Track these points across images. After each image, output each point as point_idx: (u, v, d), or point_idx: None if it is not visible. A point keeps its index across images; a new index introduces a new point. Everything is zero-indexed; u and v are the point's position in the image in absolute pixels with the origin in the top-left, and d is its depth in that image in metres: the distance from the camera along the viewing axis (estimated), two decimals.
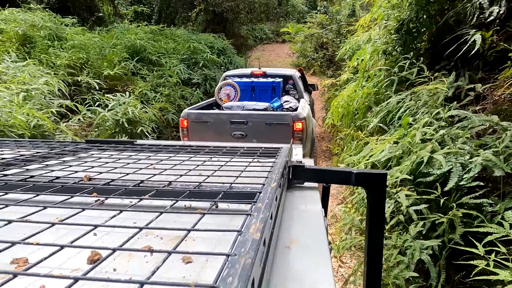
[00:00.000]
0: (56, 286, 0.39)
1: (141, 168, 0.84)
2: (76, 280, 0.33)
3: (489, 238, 2.03)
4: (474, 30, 3.26)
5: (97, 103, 5.49)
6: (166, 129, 6.55)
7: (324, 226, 0.69)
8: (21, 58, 5.62)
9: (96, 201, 0.62)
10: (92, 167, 0.86)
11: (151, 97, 6.66)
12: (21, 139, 1.39)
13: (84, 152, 1.11)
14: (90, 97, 5.56)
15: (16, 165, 0.86)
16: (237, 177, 0.74)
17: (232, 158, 1.00)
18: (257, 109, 4.33)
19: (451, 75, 3.46)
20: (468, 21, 3.44)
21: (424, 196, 2.60)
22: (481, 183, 2.38)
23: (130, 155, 1.05)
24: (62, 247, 0.40)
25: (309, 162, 1.04)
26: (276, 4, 16.51)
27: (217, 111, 4.59)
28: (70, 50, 6.50)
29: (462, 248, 2.16)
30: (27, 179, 0.71)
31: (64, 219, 0.50)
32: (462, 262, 2.14)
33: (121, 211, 0.55)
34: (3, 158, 0.94)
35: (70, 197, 0.61)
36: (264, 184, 0.64)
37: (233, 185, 0.68)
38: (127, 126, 5.17)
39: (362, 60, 5.25)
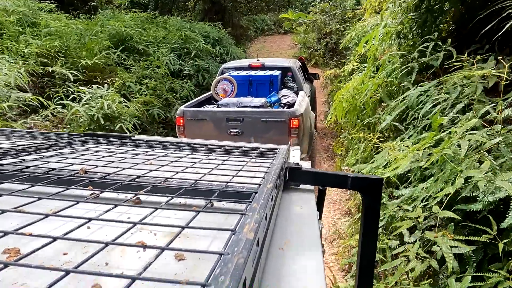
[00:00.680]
0: (47, 278, 0.39)
1: (137, 164, 0.84)
2: (67, 272, 0.33)
3: None
4: None
5: (72, 96, 4.99)
6: (152, 126, 6.10)
7: (318, 229, 0.70)
8: None
9: (91, 194, 0.62)
10: (89, 160, 0.86)
11: (135, 90, 6.09)
12: (18, 129, 1.38)
13: (81, 144, 1.10)
14: (64, 89, 5.03)
15: (12, 155, 0.85)
16: (234, 176, 0.74)
17: (229, 157, 1.00)
18: (253, 106, 4.29)
19: (488, 60, 2.68)
20: None
21: (470, 237, 1.78)
22: None
23: (127, 150, 1.05)
24: (55, 239, 0.40)
25: (306, 164, 1.04)
26: None
27: (213, 108, 4.55)
28: (45, 37, 5.89)
29: None
30: (23, 169, 0.70)
31: (58, 211, 0.50)
32: None
33: (115, 206, 0.54)
34: None
35: (65, 189, 0.61)
36: (260, 185, 0.64)
37: (229, 184, 0.68)
38: (103, 122, 4.68)
39: (372, 45, 4.42)
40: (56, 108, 4.62)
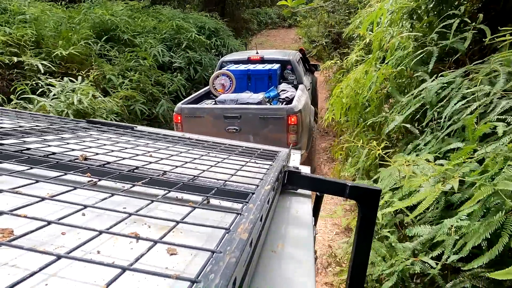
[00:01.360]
0: (39, 261, 0.39)
1: (137, 155, 0.84)
2: (59, 257, 0.33)
3: None
4: None
5: (41, 90, 4.48)
6: (134, 123, 5.37)
7: (312, 235, 0.69)
8: None
9: (89, 181, 0.62)
10: (89, 147, 0.86)
11: (117, 83, 5.55)
12: (22, 111, 1.39)
13: (83, 131, 1.11)
14: (34, 82, 4.52)
15: (13, 136, 0.85)
16: (232, 175, 0.74)
17: (229, 156, 1.00)
18: (251, 102, 4.25)
19: None
20: None
21: None
22: None
23: (129, 140, 1.05)
24: (49, 222, 0.40)
25: (305, 169, 1.04)
26: None
27: (210, 105, 4.52)
28: (15, 25, 5.31)
29: None
30: (23, 151, 0.71)
31: (55, 195, 0.50)
32: None
33: (112, 195, 0.54)
34: (1, 128, 0.93)
35: (63, 174, 0.61)
36: (258, 186, 0.64)
37: (227, 182, 0.68)
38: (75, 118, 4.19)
39: (378, 28, 3.59)
40: (19, 103, 4.14)
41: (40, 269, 0.31)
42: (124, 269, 0.32)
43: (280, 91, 4.96)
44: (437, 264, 1.59)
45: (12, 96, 4.21)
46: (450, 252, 1.50)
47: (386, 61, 3.35)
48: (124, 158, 0.78)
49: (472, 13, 2.82)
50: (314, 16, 12.50)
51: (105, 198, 0.53)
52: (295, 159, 1.31)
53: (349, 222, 2.96)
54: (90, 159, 0.74)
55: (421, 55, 2.69)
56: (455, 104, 2.03)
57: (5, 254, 0.41)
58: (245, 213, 0.48)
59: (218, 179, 0.69)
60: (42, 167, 0.62)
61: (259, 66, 5.29)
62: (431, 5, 3.01)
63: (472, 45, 2.37)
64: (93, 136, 1.05)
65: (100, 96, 4.88)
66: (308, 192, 0.91)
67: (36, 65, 4.70)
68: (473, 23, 2.46)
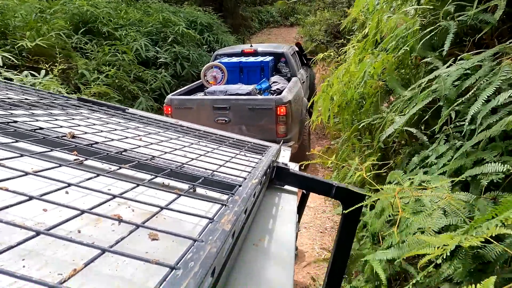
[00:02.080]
0: (17, 236, 0.39)
1: (127, 137, 0.83)
2: (38, 233, 0.33)
3: None
4: None
5: None
6: None
7: (294, 231, 0.70)
8: None
9: (75, 159, 0.61)
10: (79, 125, 0.85)
11: (90, 78, 5.19)
12: (11, 82, 1.35)
13: (73, 108, 1.09)
14: None
15: (1, 107, 0.83)
16: (221, 166, 0.74)
17: (219, 146, 1.00)
18: (240, 93, 4.24)
19: None
20: None
21: None
22: None
23: (119, 122, 1.04)
24: (30, 198, 0.39)
25: (294, 167, 1.05)
26: None
27: (199, 96, 4.52)
28: None
29: None
30: (10, 123, 0.69)
31: (39, 171, 0.50)
32: None
33: (98, 175, 0.54)
34: None
35: (49, 150, 0.60)
36: (245, 179, 0.65)
37: (215, 173, 0.68)
38: None
39: (375, 7, 2.81)
40: None
41: (18, 244, 0.31)
42: (103, 250, 0.32)
43: (272, 83, 4.95)
44: None
45: None
46: None
47: (384, 44, 2.52)
48: (113, 140, 0.77)
49: None
50: (313, 12, 12.27)
51: (90, 178, 0.52)
52: (284, 156, 1.31)
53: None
54: (78, 137, 0.73)
55: (432, 34, 1.92)
56: (485, 100, 1.32)
57: None
58: (230, 205, 0.48)
59: (206, 169, 0.69)
60: (28, 141, 0.61)
61: (252, 59, 5.28)
62: None
63: (499, 23, 1.70)
64: (83, 115, 1.04)
65: (69, 92, 4.56)
66: (295, 189, 0.92)
67: None
68: None
